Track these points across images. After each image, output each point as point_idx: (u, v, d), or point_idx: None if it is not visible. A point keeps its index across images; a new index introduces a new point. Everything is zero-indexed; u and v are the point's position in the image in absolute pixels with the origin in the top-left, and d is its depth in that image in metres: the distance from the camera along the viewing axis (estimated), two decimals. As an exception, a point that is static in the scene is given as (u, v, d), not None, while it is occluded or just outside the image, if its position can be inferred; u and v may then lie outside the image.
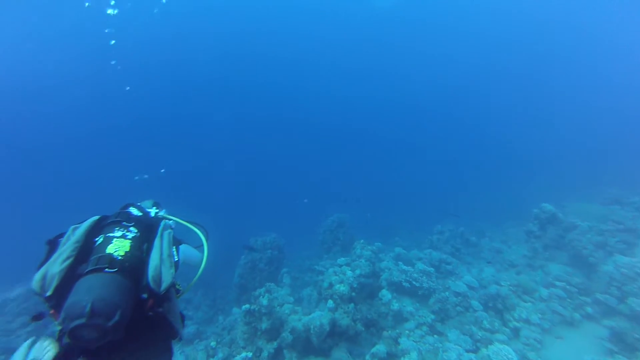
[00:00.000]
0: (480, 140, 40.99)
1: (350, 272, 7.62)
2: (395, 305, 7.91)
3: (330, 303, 7.14)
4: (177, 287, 2.08)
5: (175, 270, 1.97)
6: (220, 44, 38.34)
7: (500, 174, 26.35)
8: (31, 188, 31.96)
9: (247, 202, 27.30)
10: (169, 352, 1.89)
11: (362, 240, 9.92)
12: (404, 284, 8.94)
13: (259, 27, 37.03)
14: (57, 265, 1.68)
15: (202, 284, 15.41)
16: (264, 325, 7.00)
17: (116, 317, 1.49)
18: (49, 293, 1.61)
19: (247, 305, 7.38)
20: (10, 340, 8.31)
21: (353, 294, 7.31)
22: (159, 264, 1.84)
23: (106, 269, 1.65)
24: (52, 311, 1.64)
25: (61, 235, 1.93)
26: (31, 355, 1.48)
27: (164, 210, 2.81)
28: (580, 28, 36.62)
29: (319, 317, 6.83)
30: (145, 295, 1.73)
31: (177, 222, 2.70)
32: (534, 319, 6.41)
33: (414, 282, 8.90)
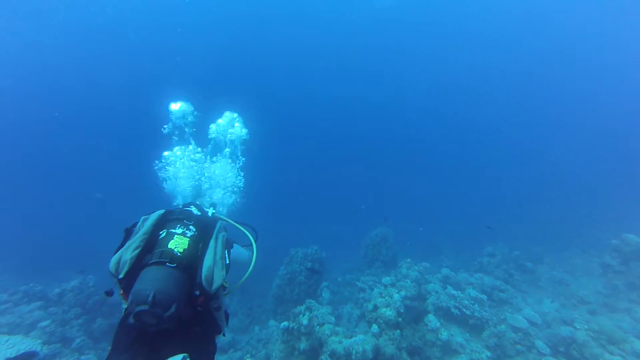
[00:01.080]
0: (529, 155, 38.02)
1: (397, 294, 7.00)
2: (444, 335, 7.13)
3: (375, 328, 6.59)
4: (225, 285, 2.21)
5: (226, 273, 2.18)
6: (219, 44, 38.77)
7: (559, 195, 23.84)
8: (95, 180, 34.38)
9: (290, 211, 27.26)
10: (213, 346, 2.10)
11: (408, 260, 9.26)
12: (452, 310, 8.12)
13: (259, 26, 36.84)
14: (129, 252, 1.97)
15: (240, 290, 15.50)
16: (303, 345, 6.60)
17: (172, 309, 1.72)
18: (121, 276, 1.90)
19: (286, 323, 7.04)
20: (65, 330, 8.66)
21: (400, 319, 6.70)
22: (212, 265, 2.05)
23: (167, 264, 1.90)
24: (122, 292, 1.94)
25: (134, 224, 2.25)
26: None
27: (218, 211, 3.05)
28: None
29: (362, 342, 6.29)
30: (197, 292, 1.96)
31: (229, 223, 2.93)
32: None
33: (464, 310, 8.05)
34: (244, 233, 2.91)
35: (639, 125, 35.65)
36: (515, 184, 29.77)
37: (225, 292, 2.32)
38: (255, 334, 11.21)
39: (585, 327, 6.59)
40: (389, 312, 6.58)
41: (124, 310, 1.92)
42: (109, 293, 2.00)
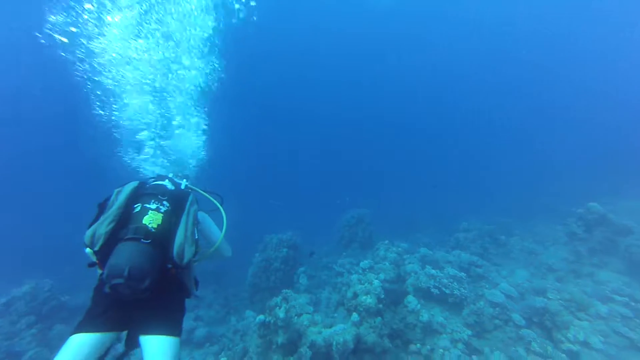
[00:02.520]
0: (498, 136, 39.20)
1: (376, 280, 6.72)
2: (425, 316, 7.01)
3: (355, 316, 6.29)
4: (194, 259, 2.30)
5: (196, 247, 2.25)
6: (219, 43, 37.05)
7: (523, 169, 24.68)
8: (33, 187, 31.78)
9: (263, 197, 26.54)
10: (182, 309, 2.25)
11: (386, 242, 9.03)
12: (432, 290, 8.01)
13: (258, 27, 35.56)
14: (103, 227, 2.04)
15: (214, 280, 14.93)
16: (280, 339, 6.21)
17: (146, 282, 1.87)
18: (96, 248, 2.00)
19: (262, 317, 6.60)
20: (13, 344, 7.78)
21: (380, 305, 6.43)
22: (183, 241, 2.15)
23: (142, 240, 2.01)
24: (97, 262, 2.04)
25: (107, 198, 2.28)
26: None
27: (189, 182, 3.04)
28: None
29: (342, 332, 5.99)
30: (169, 265, 2.10)
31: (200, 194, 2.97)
32: (596, 342, 5.39)
33: (443, 289, 7.96)
34: (213, 202, 2.96)
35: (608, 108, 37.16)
36: (488, 163, 30.62)
37: (195, 260, 2.37)
38: (232, 325, 10.76)
39: (558, 297, 6.66)
40: (369, 300, 6.29)
41: (99, 276, 2.03)
42: (91, 265, 2.06)
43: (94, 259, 2.03)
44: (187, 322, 10.92)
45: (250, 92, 39.96)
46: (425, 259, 9.51)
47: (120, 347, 2.07)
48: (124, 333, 2.02)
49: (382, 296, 6.58)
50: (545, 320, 6.28)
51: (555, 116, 41.13)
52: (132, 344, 2.02)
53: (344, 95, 41.98)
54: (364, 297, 6.37)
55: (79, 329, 1.89)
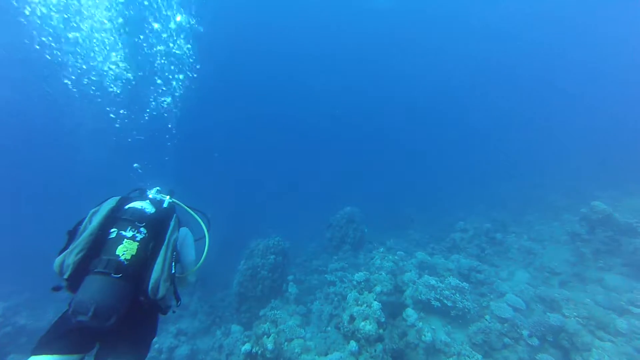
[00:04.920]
0: (488, 129, 38.93)
1: (376, 302, 5.90)
2: (428, 336, 6.27)
3: (353, 345, 5.47)
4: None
5: (171, 283, 2.14)
6: (219, 43, 35.41)
7: (515, 166, 24.16)
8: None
9: (248, 200, 25.33)
10: (152, 331, 2.16)
11: (381, 249, 8.26)
12: (433, 302, 7.29)
13: (258, 26, 34.03)
14: (72, 256, 1.94)
15: (200, 285, 13.99)
16: (269, 374, 5.36)
17: (112, 320, 1.80)
18: (65, 277, 1.92)
19: (248, 346, 5.70)
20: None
21: (381, 331, 5.63)
22: (159, 277, 2.03)
23: (112, 274, 1.91)
24: (67, 287, 1.94)
25: (80, 222, 2.17)
26: None
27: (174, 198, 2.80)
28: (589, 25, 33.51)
29: (339, 364, 5.18)
30: (142, 298, 2.00)
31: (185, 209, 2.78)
32: (622, 369, 4.78)
33: (445, 301, 7.25)
34: (198, 221, 2.75)
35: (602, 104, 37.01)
36: (482, 160, 30.16)
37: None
38: (218, 339, 9.90)
39: (575, 313, 6.02)
40: (368, 327, 5.48)
41: (69, 302, 1.86)
42: (57, 288, 1.98)
43: (63, 283, 1.95)
44: (168, 340, 9.99)
45: (242, 92, 38.53)
46: (423, 266, 8.78)
47: None
48: (88, 357, 1.95)
49: (383, 319, 5.77)
50: (562, 340, 5.63)
51: (548, 110, 41.00)
52: None
53: (331, 93, 40.95)
54: (363, 324, 5.56)
55: (39, 349, 1.79)
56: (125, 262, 1.97)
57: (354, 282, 7.58)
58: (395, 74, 40.43)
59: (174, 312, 2.23)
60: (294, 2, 30.58)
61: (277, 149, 38.59)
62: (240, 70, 36.61)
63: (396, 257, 8.24)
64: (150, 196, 2.69)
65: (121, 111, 8.01)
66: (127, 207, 2.32)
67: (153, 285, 1.98)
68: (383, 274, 7.76)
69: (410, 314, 7.19)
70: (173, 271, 2.18)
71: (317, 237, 14.84)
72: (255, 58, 35.98)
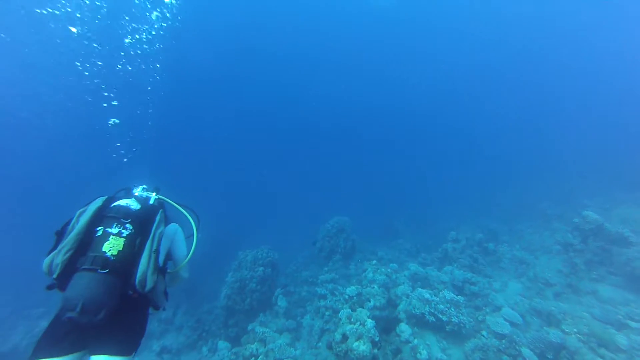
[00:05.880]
0: (478, 140, 39.11)
1: (370, 320, 5.54)
2: (424, 354, 5.94)
3: (346, 368, 5.09)
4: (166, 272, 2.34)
5: (158, 274, 2.15)
6: (218, 43, 35.09)
7: (504, 173, 24.15)
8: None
9: (235, 209, 24.70)
10: (141, 328, 2.15)
11: (374, 262, 7.92)
12: (427, 317, 6.97)
13: (258, 26, 33.82)
14: (60, 256, 1.98)
15: (185, 297, 13.43)
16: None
17: (101, 314, 1.82)
18: (54, 276, 1.95)
19: (233, 370, 5.26)
20: None
21: (375, 350, 5.27)
22: (146, 269, 2.05)
23: (99, 270, 1.93)
24: (57, 286, 1.98)
25: (68, 222, 2.19)
26: None
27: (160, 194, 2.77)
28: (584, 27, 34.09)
29: (331, 390, 4.79)
30: (131, 292, 2.03)
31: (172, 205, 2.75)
32: (626, 391, 4.53)
33: (440, 315, 6.94)
34: (187, 217, 2.69)
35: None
36: (469, 166, 30.16)
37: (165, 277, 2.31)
38: (204, 357, 9.37)
39: (575, 330, 5.78)
40: (362, 347, 5.11)
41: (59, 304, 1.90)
42: (50, 287, 2.00)
43: (53, 283, 1.97)
44: (151, 358, 9.40)
45: (236, 97, 38.05)
46: (415, 277, 8.48)
47: None
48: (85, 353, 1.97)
49: (377, 338, 5.42)
50: (563, 358, 5.36)
51: (537, 115, 41.27)
52: None
53: (320, 101, 40.81)
54: (357, 344, 5.19)
55: (36, 355, 1.83)
56: (112, 258, 1.98)
57: (346, 297, 7.23)
58: (385, 81, 40.52)
59: (164, 309, 2.25)
60: (293, 2, 30.34)
61: (264, 158, 38.07)
62: (237, 72, 36.32)
63: (389, 270, 7.93)
64: (136, 194, 2.66)
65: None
66: (112, 205, 2.31)
67: (140, 278, 1.99)
68: (376, 287, 7.43)
69: (404, 329, 6.87)
70: (161, 264, 2.21)
71: (306, 245, 14.45)
72: (248, 59, 35.73)
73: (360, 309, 6.04)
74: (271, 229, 19.07)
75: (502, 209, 15.56)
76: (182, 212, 2.75)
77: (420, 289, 7.54)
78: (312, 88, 39.26)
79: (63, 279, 1.93)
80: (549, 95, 41.47)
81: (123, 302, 1.97)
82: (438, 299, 7.11)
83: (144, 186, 2.83)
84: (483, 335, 6.39)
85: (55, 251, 2.00)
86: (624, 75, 36.39)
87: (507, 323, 6.42)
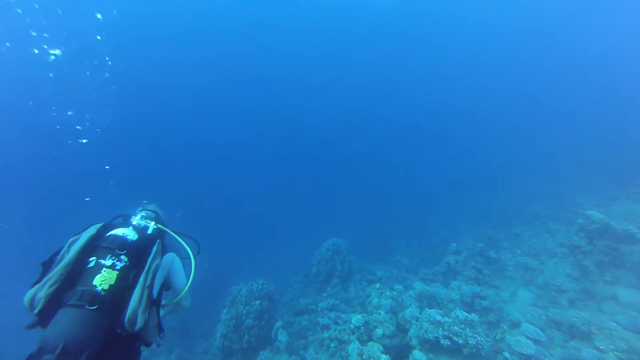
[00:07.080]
0: (466, 146, 38.98)
1: (385, 357, 4.83)
2: (445, 387, 5.22)
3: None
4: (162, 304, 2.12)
5: (150, 311, 1.93)
6: (218, 44, 34.95)
7: (491, 177, 23.81)
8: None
9: (225, 241, 23.67)
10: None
11: (377, 285, 7.27)
12: (441, 341, 6.28)
13: (258, 26, 33.90)
14: (44, 289, 1.75)
15: (178, 338, 12.40)
16: None
17: (82, 358, 1.57)
18: (35, 312, 1.72)
19: None
20: None
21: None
22: (137, 306, 1.84)
23: (86, 307, 1.71)
24: (38, 323, 1.73)
25: (57, 252, 1.98)
26: None
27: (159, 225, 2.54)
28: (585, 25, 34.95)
29: None
30: (119, 330, 1.80)
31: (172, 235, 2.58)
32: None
33: (455, 338, 6.26)
34: (186, 248, 2.49)
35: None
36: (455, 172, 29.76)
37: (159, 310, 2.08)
38: (200, 407, 8.34)
39: (611, 346, 5.19)
40: (378, 391, 4.38)
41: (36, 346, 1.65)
42: (31, 326, 1.77)
43: (33, 319, 1.72)
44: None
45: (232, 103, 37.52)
46: (422, 297, 7.81)
47: None
48: None
49: (393, 377, 4.70)
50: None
51: (522, 116, 41.32)
52: None
53: (306, 113, 40.74)
54: (371, 387, 4.45)
55: None
56: (102, 293, 1.79)
57: (352, 326, 6.50)
58: (374, 90, 40.82)
59: (158, 345, 2.06)
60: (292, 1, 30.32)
61: (250, 181, 37.10)
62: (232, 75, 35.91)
63: (394, 293, 7.26)
64: (134, 222, 2.44)
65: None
66: (108, 234, 2.12)
67: (130, 316, 1.79)
68: (382, 313, 6.75)
69: (418, 356, 6.17)
70: (155, 297, 2.01)
71: (300, 268, 13.65)
72: (248, 59, 35.56)
73: (371, 343, 5.34)
74: (261, 255, 18.15)
75: (495, 213, 15.18)
76: (179, 241, 2.56)
77: (429, 310, 6.87)
78: (302, 105, 39.22)
79: (45, 315, 1.70)
80: (535, 97, 41.48)
81: (110, 342, 1.73)
82: (451, 319, 6.45)
83: (143, 214, 2.61)
84: (506, 357, 5.73)
85: (40, 284, 1.78)
86: (605, 76, 37.02)
87: (530, 341, 5.79)
